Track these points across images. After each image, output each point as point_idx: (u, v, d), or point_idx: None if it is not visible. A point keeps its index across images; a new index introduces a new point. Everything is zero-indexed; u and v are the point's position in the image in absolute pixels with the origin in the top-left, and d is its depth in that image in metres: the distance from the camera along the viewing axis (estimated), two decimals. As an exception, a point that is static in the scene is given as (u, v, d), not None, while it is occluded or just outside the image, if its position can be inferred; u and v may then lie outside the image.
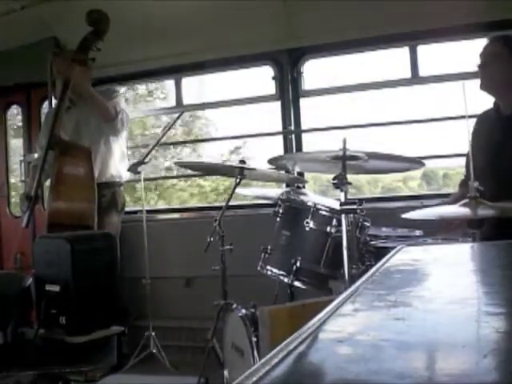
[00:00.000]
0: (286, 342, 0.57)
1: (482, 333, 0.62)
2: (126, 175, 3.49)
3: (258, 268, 2.46)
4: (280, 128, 3.76)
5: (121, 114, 3.15)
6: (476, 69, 2.47)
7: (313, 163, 2.50)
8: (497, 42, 2.44)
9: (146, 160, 3.43)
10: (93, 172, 3.08)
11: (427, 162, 2.35)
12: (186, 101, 4.09)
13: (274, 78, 3.74)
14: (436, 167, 4.57)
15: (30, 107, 4.33)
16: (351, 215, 2.09)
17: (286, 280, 2.35)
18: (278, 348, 0.55)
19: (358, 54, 3.60)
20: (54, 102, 3.67)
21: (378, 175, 4.14)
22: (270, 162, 2.55)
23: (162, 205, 5.59)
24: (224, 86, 4.23)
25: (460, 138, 3.00)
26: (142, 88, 4.96)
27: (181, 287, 3.78)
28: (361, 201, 2.03)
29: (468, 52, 3.24)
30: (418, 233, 2.49)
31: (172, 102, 4.15)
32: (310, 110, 3.79)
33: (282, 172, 2.96)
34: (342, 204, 1.95)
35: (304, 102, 3.73)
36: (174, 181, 5.46)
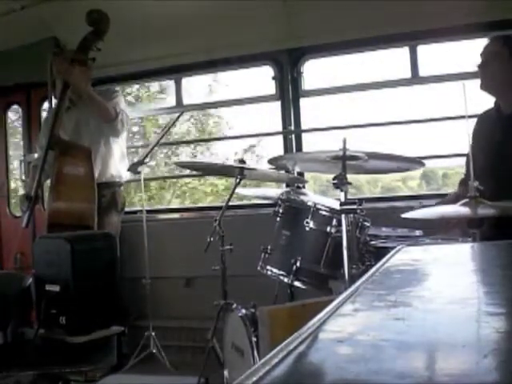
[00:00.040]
0: (286, 342, 0.57)
1: (483, 333, 0.62)
2: (126, 175, 3.49)
3: (258, 268, 2.46)
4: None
5: (121, 115, 3.15)
6: (476, 69, 2.47)
7: (313, 163, 2.51)
8: (497, 41, 2.44)
9: (146, 160, 3.43)
10: (93, 172, 3.08)
11: (427, 162, 2.35)
12: (196, 100, 4.06)
13: (273, 78, 3.74)
14: (435, 167, 4.57)
15: (29, 107, 4.33)
16: (351, 215, 2.09)
17: (285, 280, 2.35)
18: (278, 348, 0.55)
19: (358, 53, 3.60)
20: (54, 101, 3.67)
21: (378, 175, 4.14)
22: (270, 162, 2.55)
23: (176, 204, 5.57)
24: (235, 84, 4.18)
25: (460, 138, 3.01)
26: (154, 85, 4.91)
27: (181, 287, 3.78)
28: (361, 201, 2.03)
29: (468, 52, 3.24)
30: (417, 233, 2.49)
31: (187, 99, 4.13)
32: (310, 110, 3.79)
33: (282, 172, 2.96)
34: (341, 204, 1.95)
35: (304, 102, 3.73)
36: (188, 179, 5.44)
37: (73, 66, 3.03)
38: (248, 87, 4.03)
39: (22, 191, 4.01)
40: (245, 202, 3.98)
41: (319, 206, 2.33)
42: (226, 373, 2.36)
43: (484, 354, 0.51)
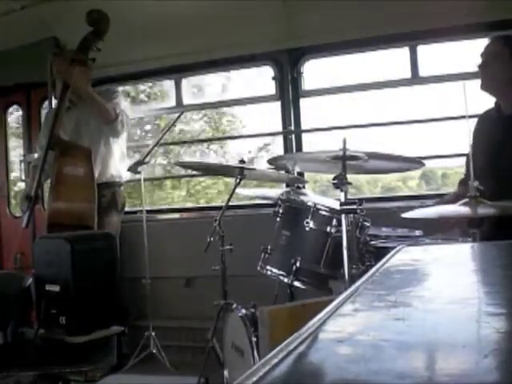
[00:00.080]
0: (286, 342, 0.57)
1: (483, 333, 0.62)
2: (126, 175, 3.49)
3: (258, 268, 2.46)
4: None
5: (121, 116, 3.15)
6: (476, 69, 2.47)
7: (313, 163, 2.51)
8: (497, 41, 2.44)
9: (146, 160, 3.43)
10: (93, 172, 3.08)
11: (427, 162, 2.35)
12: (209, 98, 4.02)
13: (274, 78, 3.74)
14: (435, 167, 4.57)
15: (30, 107, 4.33)
16: (351, 215, 2.09)
17: (285, 280, 2.35)
18: (278, 348, 0.55)
19: (358, 53, 3.60)
20: (54, 102, 3.67)
21: (378, 175, 4.13)
22: (270, 161, 2.55)
23: (190, 203, 5.55)
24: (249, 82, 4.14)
25: (460, 138, 3.00)
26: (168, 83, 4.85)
27: (181, 287, 3.78)
28: (361, 201, 2.03)
29: (468, 52, 3.24)
30: (417, 233, 2.49)
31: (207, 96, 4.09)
32: (310, 110, 3.79)
33: (282, 172, 2.96)
34: (341, 204, 1.95)
35: (304, 102, 3.73)
36: (201, 178, 5.41)
37: (73, 66, 3.03)
38: (260, 86, 3.97)
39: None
40: (245, 202, 3.97)
41: (319, 206, 2.33)
42: (225, 373, 2.36)
43: (484, 354, 0.51)
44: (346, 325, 0.67)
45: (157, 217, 4.09)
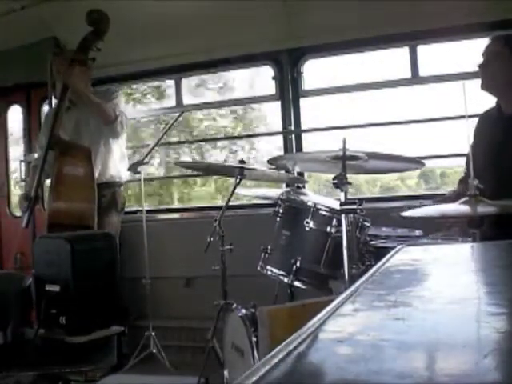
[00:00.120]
0: (286, 342, 0.57)
1: (483, 333, 0.62)
2: (126, 175, 3.49)
3: (258, 268, 2.46)
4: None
5: (120, 117, 3.15)
6: (476, 68, 2.47)
7: (313, 163, 2.51)
8: (498, 41, 2.44)
9: (146, 160, 3.44)
10: (93, 172, 3.08)
11: (426, 162, 2.35)
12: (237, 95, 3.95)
13: (274, 78, 3.74)
14: (434, 166, 4.57)
15: (30, 107, 4.33)
16: (351, 215, 2.09)
17: (286, 280, 2.35)
18: (278, 348, 0.55)
19: (358, 53, 3.60)
20: (54, 101, 3.67)
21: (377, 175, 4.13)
22: (270, 162, 2.55)
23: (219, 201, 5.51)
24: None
25: (459, 138, 3.00)
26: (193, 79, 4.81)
27: (181, 287, 3.78)
28: (361, 201, 2.03)
29: (468, 52, 3.24)
30: (417, 233, 2.49)
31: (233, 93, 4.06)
32: (310, 110, 3.78)
33: (282, 172, 2.96)
34: (341, 204, 1.95)
35: (304, 102, 3.73)
36: (214, 177, 5.38)
37: (73, 66, 3.03)
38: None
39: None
40: (245, 201, 3.97)
41: (319, 206, 2.33)
42: (226, 373, 2.36)
43: (484, 354, 0.51)
44: (346, 325, 0.67)
45: (157, 217, 4.09)
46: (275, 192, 2.86)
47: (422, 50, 3.41)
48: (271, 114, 3.70)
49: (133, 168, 3.45)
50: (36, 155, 3.59)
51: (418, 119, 3.52)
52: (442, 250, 1.42)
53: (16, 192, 4.42)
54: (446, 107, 3.34)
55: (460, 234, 2.27)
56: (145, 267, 3.43)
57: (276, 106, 3.78)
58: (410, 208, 1.98)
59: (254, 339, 2.06)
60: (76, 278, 2.40)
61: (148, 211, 3.74)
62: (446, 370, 0.50)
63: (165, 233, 3.85)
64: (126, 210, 3.58)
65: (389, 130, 3.76)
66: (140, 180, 3.50)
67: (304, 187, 3.12)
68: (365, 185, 4.87)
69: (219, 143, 5.36)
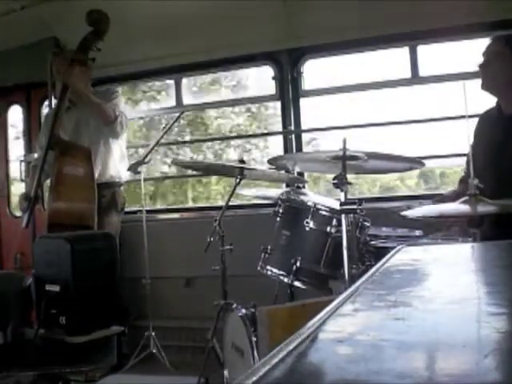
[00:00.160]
0: (286, 342, 0.57)
1: (483, 333, 0.62)
2: (126, 175, 3.49)
3: (258, 268, 2.46)
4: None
5: (120, 117, 3.15)
6: (476, 68, 2.47)
7: (313, 163, 2.51)
8: (498, 41, 2.44)
9: (146, 160, 3.44)
10: (93, 172, 3.07)
11: (426, 162, 2.35)
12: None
13: (274, 78, 3.74)
14: (433, 166, 4.57)
15: (30, 107, 4.33)
16: (351, 215, 2.09)
17: (286, 280, 2.35)
18: (278, 348, 0.55)
19: (358, 53, 3.60)
20: (54, 101, 3.67)
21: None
22: (270, 162, 2.55)
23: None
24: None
25: (459, 138, 3.00)
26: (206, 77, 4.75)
27: (181, 287, 3.78)
28: (361, 201, 2.03)
29: (468, 52, 3.24)
30: (417, 233, 2.49)
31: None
32: (310, 110, 3.78)
33: (282, 172, 2.96)
34: (341, 204, 1.95)
35: (304, 102, 3.72)
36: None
37: (73, 66, 3.03)
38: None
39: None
40: (245, 201, 3.97)
41: (319, 206, 2.33)
42: (226, 373, 2.36)
43: (484, 354, 0.51)
44: (346, 325, 0.67)
45: (157, 217, 4.09)
46: (275, 192, 2.86)
47: (422, 49, 3.41)
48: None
49: (133, 168, 3.45)
50: (36, 155, 3.59)
51: (417, 119, 3.52)
52: (441, 250, 1.42)
53: (16, 192, 4.43)
54: (446, 107, 3.34)
55: (460, 234, 2.27)
56: (145, 267, 3.43)
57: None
58: (409, 208, 1.98)
59: (253, 339, 2.06)
60: (76, 278, 2.40)
61: (148, 211, 3.74)
62: (446, 370, 0.50)
63: (165, 233, 3.85)
64: (126, 209, 3.58)
65: (389, 130, 3.76)
66: (140, 180, 3.51)
67: (304, 187, 3.12)
68: (364, 185, 4.87)
69: (233, 142, 5.35)
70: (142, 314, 3.55)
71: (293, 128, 3.67)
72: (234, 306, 2.30)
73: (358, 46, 3.52)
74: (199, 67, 3.95)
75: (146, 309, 3.44)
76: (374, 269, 0.99)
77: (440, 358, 0.55)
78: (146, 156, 3.43)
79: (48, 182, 3.24)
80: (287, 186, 3.03)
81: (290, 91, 3.68)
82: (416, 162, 2.27)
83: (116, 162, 3.35)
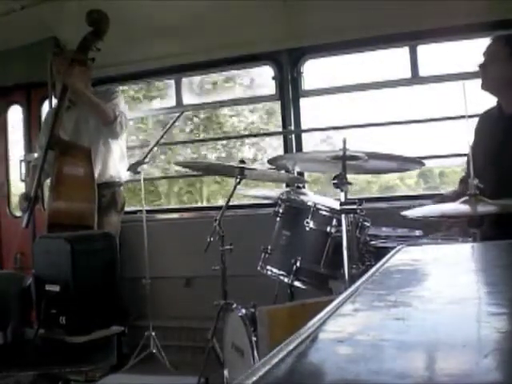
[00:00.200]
0: (286, 341, 0.57)
1: (483, 333, 0.62)
2: (126, 175, 3.49)
3: (258, 268, 2.46)
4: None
5: (120, 118, 3.14)
6: (476, 68, 2.47)
7: (313, 163, 2.51)
8: (499, 41, 2.44)
9: (146, 160, 3.43)
10: (93, 172, 3.07)
11: (427, 162, 2.36)
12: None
13: (274, 78, 3.74)
14: (432, 166, 4.57)
15: (30, 107, 4.33)
16: (351, 215, 2.09)
17: (286, 280, 2.35)
18: (278, 348, 0.55)
19: (358, 53, 3.60)
20: (54, 101, 3.67)
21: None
22: (270, 162, 2.55)
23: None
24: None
25: (459, 138, 3.00)
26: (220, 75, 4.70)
27: (181, 287, 3.78)
28: (361, 201, 2.03)
29: (468, 52, 3.24)
30: (417, 233, 2.49)
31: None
32: (310, 110, 3.78)
33: (282, 172, 2.96)
34: (341, 204, 1.95)
35: (304, 102, 3.72)
36: None
37: (73, 66, 3.03)
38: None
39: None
40: (245, 201, 3.97)
41: (319, 206, 2.33)
42: (226, 373, 2.36)
43: (484, 354, 0.51)
44: (346, 325, 0.67)
45: (157, 217, 4.09)
46: (275, 192, 2.86)
47: (422, 49, 3.41)
48: (304, 110, 3.66)
49: (133, 168, 3.45)
50: (36, 155, 3.59)
51: (417, 119, 3.52)
52: (441, 250, 1.42)
53: (16, 192, 4.43)
54: (445, 107, 3.34)
55: (460, 234, 2.27)
56: (145, 267, 3.43)
57: (308, 101, 3.75)
58: (410, 208, 1.98)
59: (253, 339, 2.06)
60: (76, 278, 2.40)
61: (148, 211, 3.74)
62: (446, 370, 0.50)
63: (165, 233, 3.85)
64: (126, 209, 3.58)
65: (389, 130, 3.76)
66: (140, 180, 3.51)
67: (304, 187, 3.12)
68: (364, 184, 4.87)
69: (247, 140, 5.31)
70: (141, 314, 3.55)
71: (293, 128, 3.67)
72: (234, 306, 2.30)
73: (358, 45, 3.52)
74: (199, 67, 3.95)
75: (145, 309, 3.44)
76: (373, 269, 0.99)
77: (440, 358, 0.55)
78: (146, 156, 3.42)
79: (48, 181, 3.24)
80: (287, 185, 3.02)
81: (290, 91, 3.68)
82: (416, 162, 2.27)
83: (116, 162, 3.35)
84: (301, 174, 3.28)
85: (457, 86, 3.11)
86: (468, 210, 1.80)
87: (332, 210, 2.31)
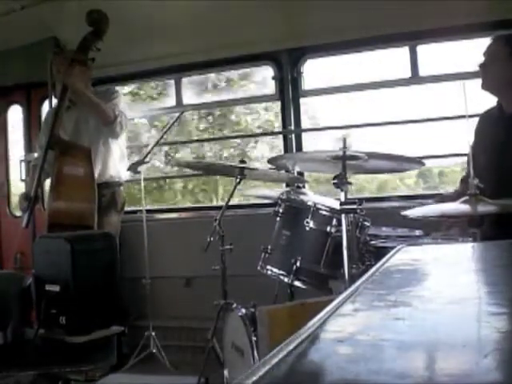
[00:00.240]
0: (286, 341, 0.57)
1: (483, 333, 0.62)
2: (126, 175, 3.49)
3: (258, 268, 2.46)
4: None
5: (119, 117, 3.14)
6: (476, 68, 2.47)
7: (313, 163, 2.51)
8: (499, 41, 2.44)
9: (146, 160, 3.43)
10: (93, 172, 3.07)
11: (426, 162, 2.35)
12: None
13: (273, 78, 3.74)
14: (431, 166, 4.57)
15: (30, 107, 4.33)
16: (351, 215, 2.09)
17: (286, 280, 2.35)
18: (278, 348, 0.55)
19: (358, 53, 3.60)
20: (54, 101, 3.67)
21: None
22: (270, 161, 2.55)
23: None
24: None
25: (459, 138, 3.00)
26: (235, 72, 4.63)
27: (181, 287, 3.78)
28: (361, 201, 2.03)
29: (468, 52, 3.24)
30: (417, 232, 2.49)
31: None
32: (310, 111, 3.78)
33: (282, 172, 2.96)
34: (341, 204, 1.95)
35: (304, 102, 3.72)
36: None
37: (73, 66, 3.03)
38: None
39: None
40: (245, 201, 3.97)
41: (319, 206, 2.33)
42: (225, 373, 2.36)
43: (484, 354, 0.51)
44: (346, 325, 0.67)
45: (157, 217, 4.09)
46: (275, 192, 2.86)
47: (422, 49, 3.41)
48: (320, 108, 3.65)
49: (133, 168, 3.45)
50: (36, 155, 3.59)
51: (417, 119, 3.52)
52: (441, 250, 1.42)
53: (16, 192, 4.43)
54: (445, 107, 3.34)
55: (460, 234, 2.27)
56: (145, 267, 3.43)
57: (325, 99, 3.73)
58: (410, 208, 1.98)
59: (253, 339, 2.06)
60: (76, 278, 2.40)
61: (148, 211, 3.74)
62: (446, 369, 0.50)
63: (165, 233, 3.85)
64: (126, 209, 3.58)
65: (389, 130, 3.76)
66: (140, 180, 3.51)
67: (304, 187, 3.12)
68: (362, 183, 4.87)
69: (261, 138, 5.27)
70: (141, 314, 3.55)
71: (293, 128, 3.67)
72: (234, 305, 2.30)
73: (358, 45, 3.52)
74: (199, 67, 3.95)
75: (145, 309, 3.44)
76: (373, 269, 0.99)
77: (440, 358, 0.55)
78: (146, 156, 3.42)
79: (48, 181, 3.24)
80: (287, 185, 3.02)
81: (290, 91, 3.68)
82: (416, 162, 2.27)
83: (116, 162, 3.35)
84: (301, 173, 3.28)
85: (457, 86, 3.11)
86: (468, 210, 1.80)
87: (332, 209, 2.31)
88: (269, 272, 2.41)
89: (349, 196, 2.00)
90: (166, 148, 5.22)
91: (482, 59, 2.44)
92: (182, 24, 3.60)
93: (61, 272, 2.42)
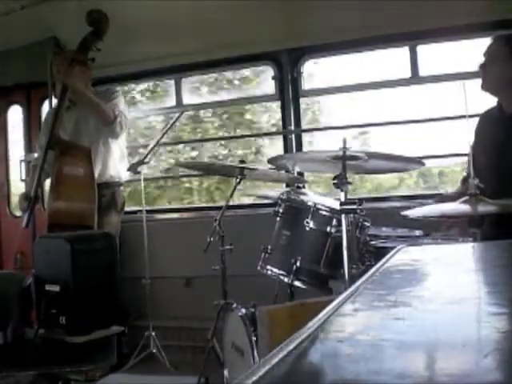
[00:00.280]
0: (286, 341, 0.57)
1: (483, 333, 0.62)
2: (126, 175, 3.49)
3: (258, 268, 2.46)
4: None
5: (119, 117, 3.14)
6: (476, 69, 2.47)
7: (313, 163, 2.51)
8: (499, 41, 2.44)
9: (146, 160, 3.43)
10: (93, 172, 3.08)
11: (426, 162, 2.35)
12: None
13: (273, 78, 3.74)
14: (431, 166, 4.56)
15: (30, 107, 4.33)
16: (351, 215, 2.09)
17: (286, 280, 2.35)
18: (278, 348, 0.55)
19: (358, 53, 3.60)
20: (54, 101, 3.67)
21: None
22: (270, 161, 2.55)
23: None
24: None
25: (459, 138, 3.00)
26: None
27: (181, 287, 3.78)
28: (361, 201, 2.03)
29: (468, 52, 3.24)
30: (417, 233, 2.49)
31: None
32: (310, 110, 3.78)
33: (282, 172, 2.96)
34: (341, 204, 1.95)
35: (303, 102, 3.72)
36: None
37: (73, 66, 3.03)
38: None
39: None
40: (245, 201, 3.97)
41: (319, 206, 2.33)
42: (225, 373, 2.36)
43: (484, 354, 0.51)
44: (346, 325, 0.67)
45: (157, 217, 4.08)
46: (275, 192, 2.86)
47: (422, 49, 3.40)
48: (335, 107, 3.63)
49: (133, 168, 3.45)
50: (36, 155, 3.59)
51: (417, 119, 3.52)
52: (441, 250, 1.42)
53: (16, 192, 4.43)
54: (445, 107, 3.34)
55: (460, 234, 2.27)
56: (145, 267, 3.43)
57: (340, 97, 3.71)
58: (410, 208, 1.98)
59: (253, 339, 2.06)
60: (76, 278, 2.40)
61: (148, 211, 3.74)
62: (446, 370, 0.50)
63: (165, 233, 3.85)
64: (126, 209, 3.58)
65: (388, 130, 3.76)
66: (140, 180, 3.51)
67: (304, 187, 3.12)
68: (361, 183, 4.86)
69: (275, 137, 5.23)
70: (141, 314, 3.55)
71: (293, 128, 3.67)
72: (234, 305, 2.30)
73: (358, 45, 3.52)
74: (199, 67, 3.95)
75: (145, 309, 3.44)
76: (373, 269, 0.99)
77: (440, 358, 0.55)
78: (146, 156, 3.42)
79: (48, 181, 3.24)
80: (287, 185, 3.02)
81: (289, 91, 3.68)
82: (416, 162, 2.27)
83: (116, 162, 3.36)
84: (301, 174, 3.28)
85: (457, 86, 3.11)
86: (468, 210, 1.80)
87: (332, 209, 2.31)
88: (269, 272, 2.41)
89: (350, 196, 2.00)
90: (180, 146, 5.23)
91: (482, 59, 2.44)
92: (182, 24, 3.60)
93: (61, 272, 2.42)
